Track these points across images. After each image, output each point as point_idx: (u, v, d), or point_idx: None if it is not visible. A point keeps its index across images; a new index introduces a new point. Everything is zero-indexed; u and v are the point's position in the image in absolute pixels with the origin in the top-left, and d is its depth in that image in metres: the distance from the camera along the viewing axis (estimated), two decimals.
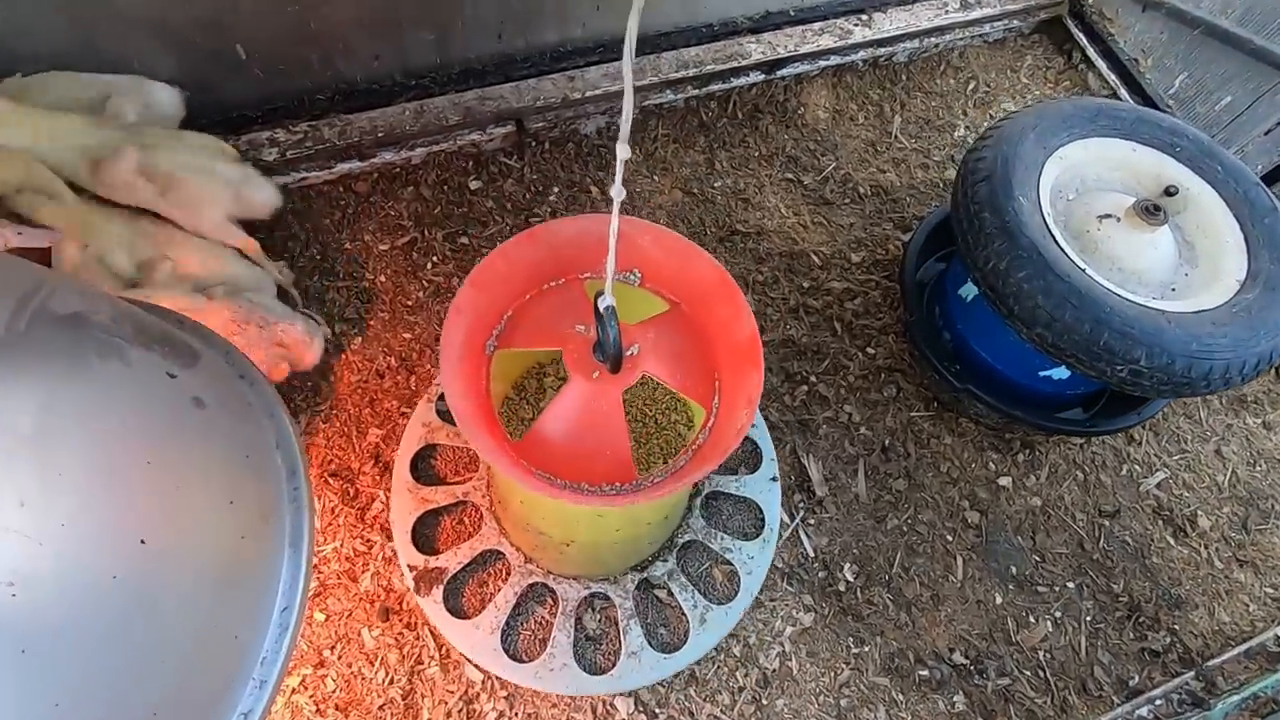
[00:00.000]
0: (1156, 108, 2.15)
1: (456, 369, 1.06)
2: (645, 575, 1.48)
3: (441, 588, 1.42)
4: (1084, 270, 1.38)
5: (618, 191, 0.81)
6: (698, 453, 1.14)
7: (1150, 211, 1.44)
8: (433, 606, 1.40)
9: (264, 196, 1.52)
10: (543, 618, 1.45)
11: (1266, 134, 1.91)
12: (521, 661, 1.39)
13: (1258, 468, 1.79)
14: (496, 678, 1.40)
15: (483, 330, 1.15)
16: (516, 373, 1.43)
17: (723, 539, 1.53)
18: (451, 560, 1.45)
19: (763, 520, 1.56)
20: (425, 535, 1.50)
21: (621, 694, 1.40)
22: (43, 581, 0.61)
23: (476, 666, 1.39)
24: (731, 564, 1.51)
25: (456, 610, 1.43)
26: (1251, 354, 1.31)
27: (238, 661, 0.83)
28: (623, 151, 0.78)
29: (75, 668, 0.64)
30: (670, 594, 1.48)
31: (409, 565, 1.44)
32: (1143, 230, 1.44)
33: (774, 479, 1.59)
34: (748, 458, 1.64)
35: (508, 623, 1.42)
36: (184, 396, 0.85)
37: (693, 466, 1.11)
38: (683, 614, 1.46)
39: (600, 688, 1.38)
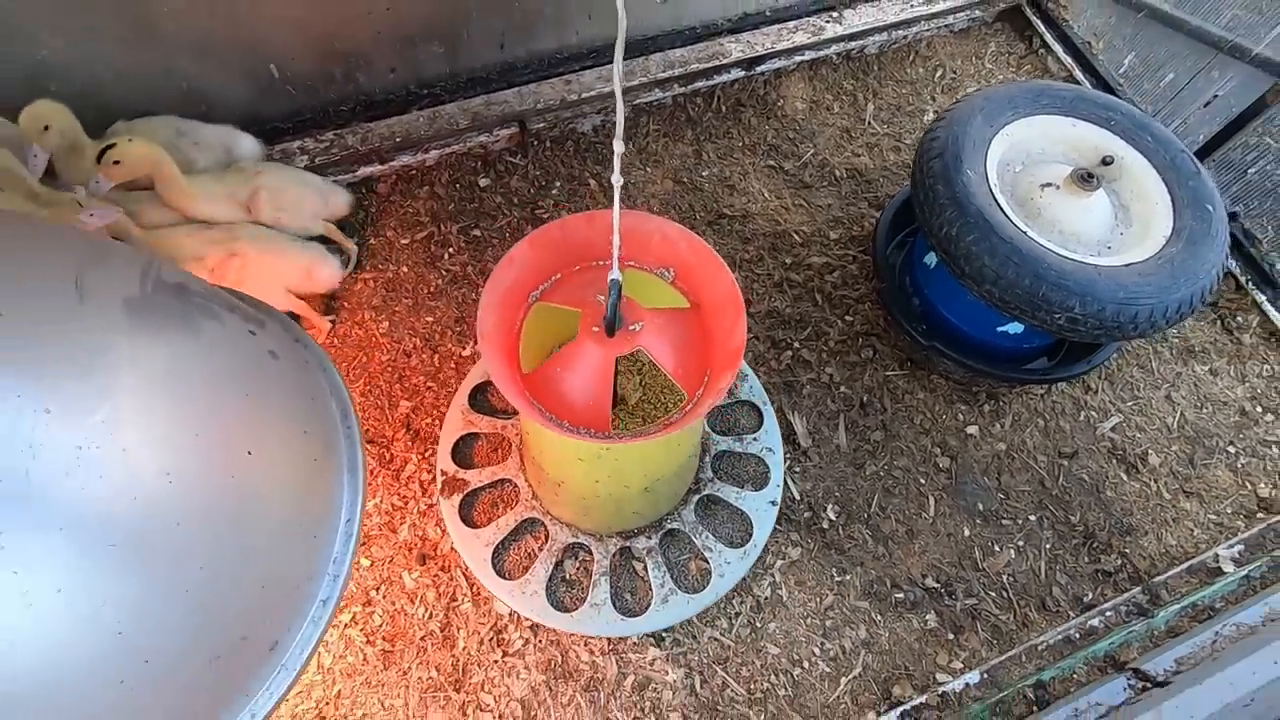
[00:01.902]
0: (1108, 86, 2.33)
1: (495, 304, 1.26)
2: (629, 544, 1.64)
3: (460, 496, 1.66)
4: (1026, 233, 1.56)
5: (617, 179, 1.00)
6: (664, 427, 1.30)
7: (1085, 179, 1.62)
8: (449, 510, 1.64)
9: (343, 200, 1.94)
10: (532, 549, 1.66)
11: (1205, 106, 2.08)
12: (504, 578, 1.60)
13: (1204, 410, 1.96)
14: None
15: (530, 283, 1.34)
16: (567, 334, 1.62)
17: (708, 539, 1.66)
18: (475, 477, 1.68)
19: (750, 534, 1.67)
20: (463, 452, 1.74)
21: (581, 635, 1.57)
22: (187, 475, 0.81)
23: (466, 575, 1.61)
24: (708, 563, 1.63)
25: (467, 519, 1.66)
26: (1173, 299, 1.49)
27: (316, 557, 1.03)
28: (619, 146, 0.97)
29: (211, 542, 0.84)
30: (645, 568, 1.63)
31: (442, 470, 1.68)
32: (1079, 196, 1.62)
33: (774, 503, 1.69)
34: (756, 476, 1.76)
35: (502, 543, 1.63)
36: (263, 349, 1.05)
37: (649, 434, 1.26)
38: (650, 589, 1.61)
39: (559, 623, 1.55)
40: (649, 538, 1.66)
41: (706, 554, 1.65)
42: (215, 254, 1.61)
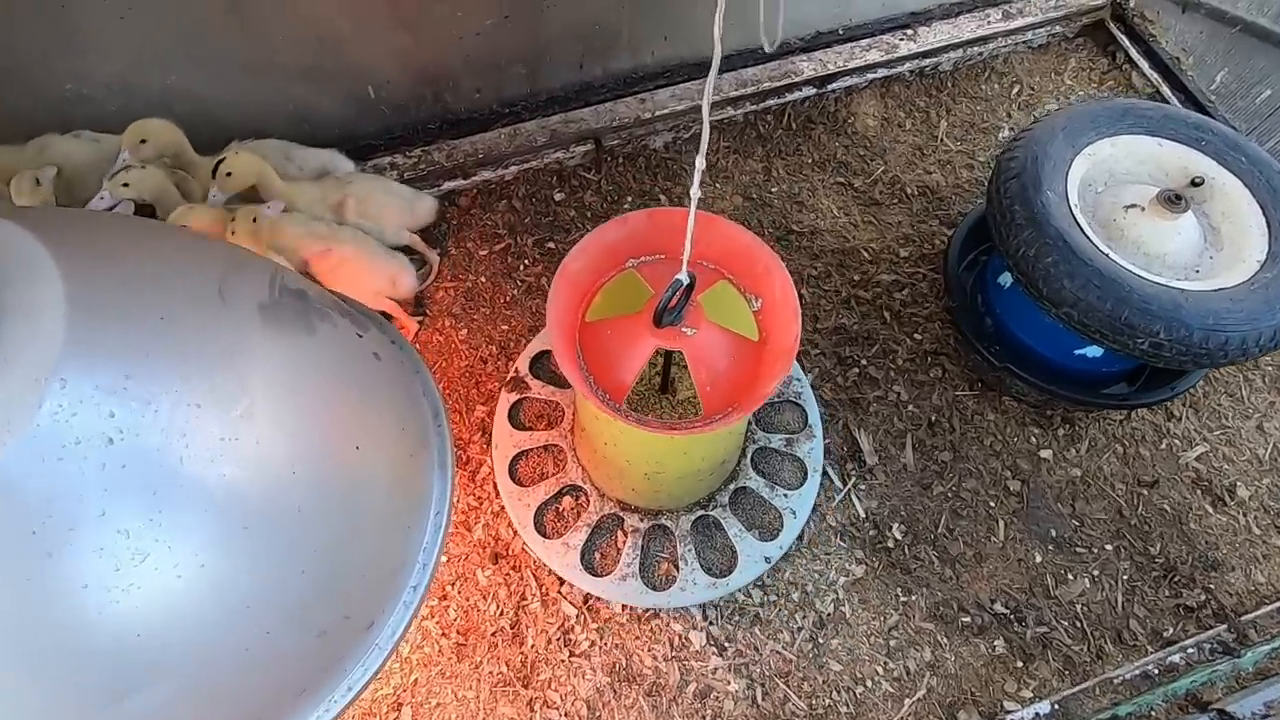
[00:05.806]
0: (1198, 103, 2.25)
1: (589, 250, 1.33)
2: (623, 514, 1.71)
3: (518, 397, 1.85)
4: (1107, 255, 1.53)
5: (695, 193, 1.05)
6: (661, 428, 1.36)
7: (1172, 201, 1.58)
8: (504, 403, 1.84)
9: (428, 206, 1.99)
10: (547, 471, 1.78)
11: None
12: (515, 484, 1.75)
13: None
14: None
15: (633, 250, 1.41)
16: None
17: (690, 553, 1.66)
18: (537, 390, 1.86)
19: (730, 571, 1.65)
20: (540, 366, 1.91)
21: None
22: (307, 465, 0.89)
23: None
24: (678, 573, 1.64)
25: (515, 422, 1.83)
26: (1268, 326, 1.44)
27: (409, 546, 1.10)
28: (700, 162, 1.02)
29: (324, 528, 0.92)
30: (624, 542, 1.68)
31: (516, 369, 1.87)
32: (1165, 218, 1.58)
33: (767, 559, 1.67)
34: (767, 526, 1.72)
35: (526, 451, 1.79)
36: (368, 351, 1.13)
37: (641, 425, 1.31)
38: (618, 561, 1.65)
39: (533, 542, 1.68)
40: (642, 520, 1.71)
41: (680, 564, 1.66)
42: (313, 246, 1.72)
